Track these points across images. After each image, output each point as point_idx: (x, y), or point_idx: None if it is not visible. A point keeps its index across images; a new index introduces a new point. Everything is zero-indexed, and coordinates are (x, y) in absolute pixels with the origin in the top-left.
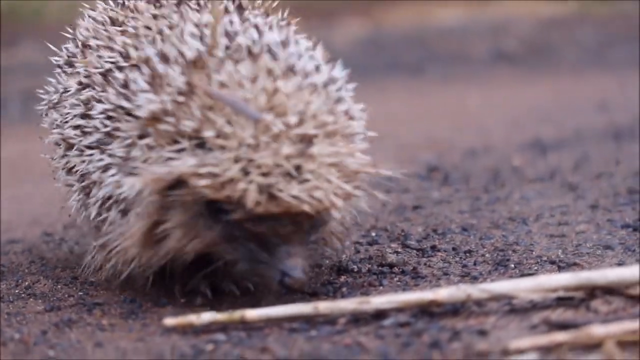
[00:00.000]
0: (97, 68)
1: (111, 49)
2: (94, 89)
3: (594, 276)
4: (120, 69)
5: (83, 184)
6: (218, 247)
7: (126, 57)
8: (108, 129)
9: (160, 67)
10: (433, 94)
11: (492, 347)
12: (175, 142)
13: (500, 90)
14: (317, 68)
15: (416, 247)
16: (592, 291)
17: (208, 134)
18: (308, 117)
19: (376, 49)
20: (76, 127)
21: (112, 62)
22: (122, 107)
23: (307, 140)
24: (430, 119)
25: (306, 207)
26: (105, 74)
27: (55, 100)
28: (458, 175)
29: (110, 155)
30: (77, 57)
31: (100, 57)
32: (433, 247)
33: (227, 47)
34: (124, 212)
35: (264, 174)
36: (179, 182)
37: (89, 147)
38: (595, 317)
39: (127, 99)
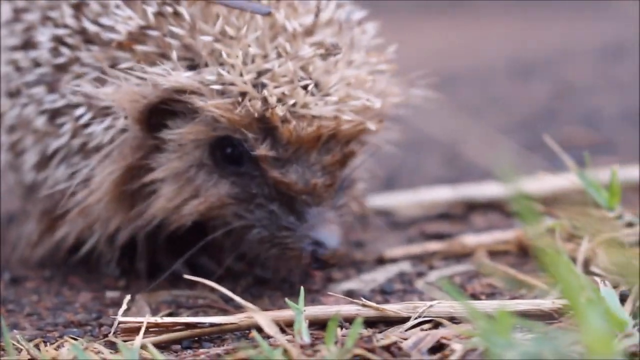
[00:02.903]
0: None
1: None
2: (37, 11)
3: (472, 192)
4: None
5: (14, 137)
6: (226, 209)
7: None
8: (61, 60)
9: None
10: None
11: (368, 256)
12: (158, 64)
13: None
14: None
15: None
16: (472, 207)
17: (204, 40)
18: (322, 23)
19: None
20: (8, 62)
21: None
22: (82, 32)
23: (328, 48)
24: None
25: (345, 124)
26: None
27: None
28: None
29: (64, 95)
30: None
31: None
32: None
33: None
34: (84, 158)
35: (283, 85)
36: (166, 108)
37: (29, 86)
38: (471, 230)
39: (92, 21)
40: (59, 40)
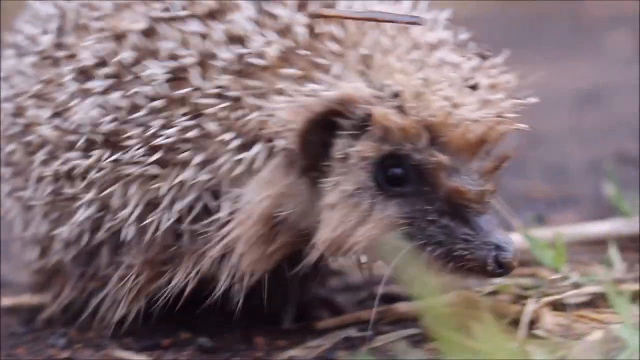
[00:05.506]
0: (131, 28)
1: (146, 4)
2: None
3: None
4: (180, 19)
5: (106, 191)
6: (394, 232)
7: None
8: (179, 92)
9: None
10: None
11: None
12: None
13: None
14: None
15: None
16: None
17: (358, 54)
18: (439, 41)
19: None
20: (97, 106)
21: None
22: (212, 55)
23: (480, 53)
24: None
25: (503, 125)
26: (150, 30)
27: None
28: None
29: (185, 129)
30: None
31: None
32: None
33: None
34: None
35: (442, 91)
36: (329, 123)
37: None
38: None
39: (225, 44)
40: (173, 72)
